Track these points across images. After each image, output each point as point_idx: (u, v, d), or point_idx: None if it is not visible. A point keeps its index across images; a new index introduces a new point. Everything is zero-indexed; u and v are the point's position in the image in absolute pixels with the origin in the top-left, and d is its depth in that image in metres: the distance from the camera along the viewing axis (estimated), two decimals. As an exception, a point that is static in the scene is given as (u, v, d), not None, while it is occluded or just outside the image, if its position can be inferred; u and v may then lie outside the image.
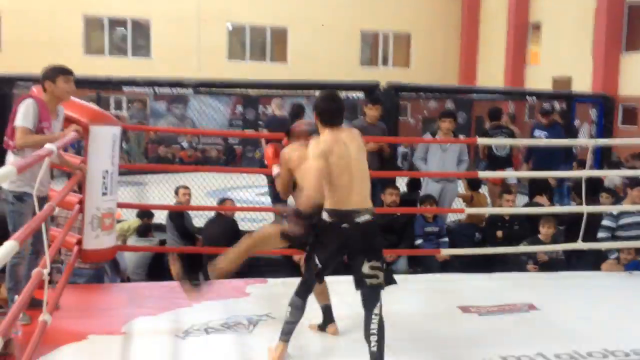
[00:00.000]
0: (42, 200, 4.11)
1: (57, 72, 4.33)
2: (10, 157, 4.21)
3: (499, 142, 7.69)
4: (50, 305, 3.54)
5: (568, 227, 6.90)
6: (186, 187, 7.19)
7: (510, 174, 8.66)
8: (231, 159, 16.07)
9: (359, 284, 3.64)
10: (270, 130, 7.83)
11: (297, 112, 7.53)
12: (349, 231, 3.60)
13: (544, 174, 7.73)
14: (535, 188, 7.67)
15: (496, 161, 7.77)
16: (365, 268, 3.61)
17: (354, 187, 3.64)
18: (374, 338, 3.50)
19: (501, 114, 8.53)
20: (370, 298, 3.59)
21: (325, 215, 3.63)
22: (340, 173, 3.58)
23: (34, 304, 4.07)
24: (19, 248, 2.53)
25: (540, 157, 8.04)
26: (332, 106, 3.74)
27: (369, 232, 3.65)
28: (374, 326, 3.53)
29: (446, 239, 6.68)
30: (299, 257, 6.08)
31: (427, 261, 6.45)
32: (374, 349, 3.48)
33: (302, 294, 3.80)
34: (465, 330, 4.49)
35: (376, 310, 3.55)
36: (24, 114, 4.15)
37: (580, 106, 9.65)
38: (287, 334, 3.79)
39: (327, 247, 3.71)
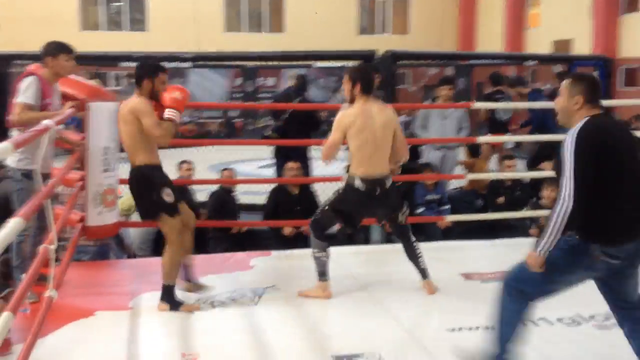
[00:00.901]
0: (46, 177, 4.14)
1: (59, 49, 4.33)
2: (13, 133, 4.22)
3: (491, 106, 7.65)
4: (56, 281, 3.56)
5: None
6: (189, 162, 7.19)
7: (509, 138, 8.66)
8: (231, 132, 16.06)
9: (400, 228, 4.54)
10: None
11: (302, 82, 7.51)
12: (381, 195, 4.27)
13: (543, 137, 7.71)
14: (541, 154, 7.65)
15: (496, 126, 7.75)
16: (401, 217, 4.48)
17: (378, 156, 4.25)
18: (421, 258, 4.56)
19: (501, 78, 8.50)
20: (409, 232, 4.56)
21: (357, 182, 4.22)
22: (362, 145, 4.17)
23: (40, 280, 4.13)
24: (25, 225, 2.55)
25: (538, 123, 8.02)
26: (369, 76, 4.34)
27: (395, 192, 4.45)
28: (418, 249, 4.56)
29: (448, 207, 6.70)
30: (290, 229, 6.15)
31: (428, 229, 6.47)
32: (423, 265, 4.56)
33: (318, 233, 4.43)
34: (467, 297, 4.52)
35: (413, 237, 4.54)
36: (25, 90, 4.15)
37: (580, 69, 9.57)
38: (322, 274, 4.41)
39: (358, 210, 4.40)
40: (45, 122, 3.68)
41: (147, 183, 4.11)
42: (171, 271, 4.14)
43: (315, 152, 8.30)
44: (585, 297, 4.44)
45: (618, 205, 2.78)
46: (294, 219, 6.08)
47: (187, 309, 4.12)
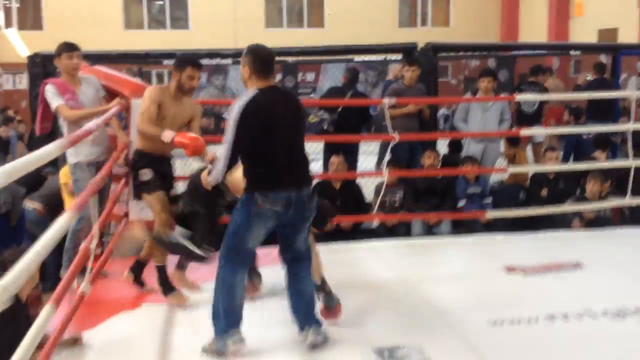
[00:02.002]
0: (99, 165, 4.58)
1: (61, 49, 4.65)
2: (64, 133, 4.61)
3: (536, 98, 7.51)
4: (93, 274, 3.66)
5: (618, 182, 6.76)
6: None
7: (552, 131, 8.54)
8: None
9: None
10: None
11: (354, 76, 7.52)
12: None
13: (586, 129, 7.59)
14: (596, 143, 7.50)
15: (523, 118, 7.61)
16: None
17: None
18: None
19: (539, 70, 8.34)
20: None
21: None
22: None
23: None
24: (80, 215, 2.65)
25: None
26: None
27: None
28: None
29: (490, 200, 6.63)
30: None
31: (470, 222, 6.42)
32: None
33: None
34: (510, 290, 4.49)
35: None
36: (52, 96, 4.55)
37: (626, 59, 9.36)
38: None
39: None
40: (95, 122, 3.91)
41: (132, 164, 4.32)
42: (155, 252, 4.24)
43: (366, 147, 8.32)
44: (629, 290, 4.40)
45: (272, 163, 3.32)
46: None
47: (174, 300, 4.18)
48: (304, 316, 3.44)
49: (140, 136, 4.26)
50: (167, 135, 4.07)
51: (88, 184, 4.37)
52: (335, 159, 6.35)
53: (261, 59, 3.39)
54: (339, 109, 6.88)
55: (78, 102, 4.60)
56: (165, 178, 4.32)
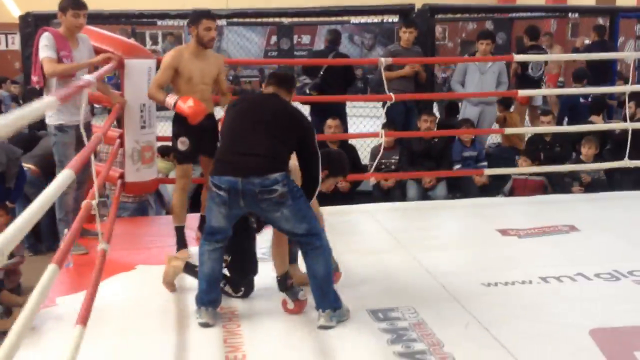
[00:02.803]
0: (84, 127, 4.28)
1: (67, 5, 4.44)
2: (45, 96, 4.33)
3: (534, 59, 7.46)
4: (106, 235, 3.65)
5: (615, 145, 6.75)
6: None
7: (551, 92, 8.50)
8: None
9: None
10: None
11: (335, 37, 7.42)
12: None
13: (585, 90, 7.54)
14: (592, 107, 7.47)
15: (527, 82, 7.57)
16: None
17: None
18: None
19: (539, 33, 8.27)
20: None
21: None
22: None
23: (83, 234, 4.27)
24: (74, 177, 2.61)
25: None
26: None
27: None
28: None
29: (485, 163, 6.62)
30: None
31: (466, 186, 6.43)
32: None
33: None
34: (504, 252, 4.51)
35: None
36: (44, 46, 4.33)
37: (624, 22, 9.27)
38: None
39: None
40: (87, 77, 3.76)
41: (173, 127, 4.40)
42: (176, 212, 4.48)
43: (353, 109, 8.28)
44: (623, 253, 4.43)
45: (222, 150, 3.44)
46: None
47: (179, 256, 4.21)
48: (318, 298, 3.39)
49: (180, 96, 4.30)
50: (169, 102, 4.17)
51: (71, 147, 4.37)
52: (332, 122, 6.31)
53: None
54: (321, 72, 6.80)
55: (72, 61, 4.42)
56: (207, 132, 4.38)
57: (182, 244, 4.45)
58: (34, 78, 4.45)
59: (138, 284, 4.00)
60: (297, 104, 6.69)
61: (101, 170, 4.41)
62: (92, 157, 3.41)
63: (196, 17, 4.27)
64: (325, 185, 3.69)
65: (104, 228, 3.68)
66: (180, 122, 4.32)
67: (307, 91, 6.77)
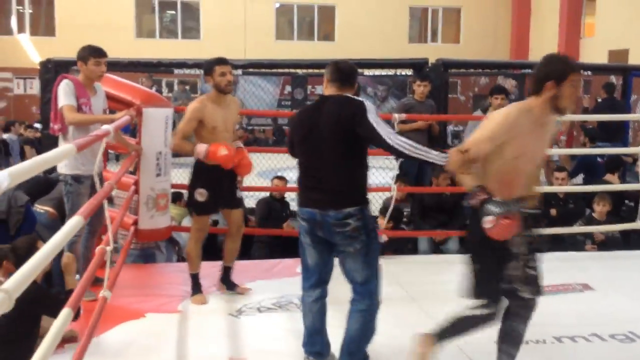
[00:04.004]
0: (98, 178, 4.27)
1: (88, 54, 4.48)
2: (61, 143, 4.36)
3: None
4: (110, 282, 3.65)
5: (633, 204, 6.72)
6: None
7: (565, 151, 8.50)
8: (281, 139, 16.15)
9: None
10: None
11: (357, 89, 7.50)
12: None
13: (599, 150, 7.56)
14: (608, 165, 7.48)
15: None
16: None
17: None
18: None
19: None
20: None
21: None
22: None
23: (94, 282, 4.25)
24: (84, 224, 2.62)
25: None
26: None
27: None
28: None
29: (497, 218, 6.57)
30: None
31: (478, 240, 6.37)
32: None
33: None
34: (517, 310, 4.44)
35: None
36: (64, 94, 4.34)
37: (637, 80, 9.34)
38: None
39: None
40: (106, 127, 3.79)
41: (192, 177, 4.46)
42: (190, 261, 4.53)
43: (375, 161, 8.29)
44: (639, 314, 4.36)
45: (301, 177, 3.32)
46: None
47: (194, 301, 4.39)
48: (343, 355, 3.35)
49: None
50: (200, 151, 4.24)
51: (85, 198, 4.34)
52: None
53: (332, 67, 3.38)
54: None
55: (91, 109, 4.45)
56: (225, 182, 4.45)
57: (197, 289, 4.49)
58: (55, 126, 4.42)
59: (147, 332, 3.96)
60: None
61: (115, 216, 4.43)
62: (105, 204, 3.43)
63: (209, 66, 4.39)
64: None
65: (111, 275, 3.67)
66: (198, 173, 4.37)
67: None
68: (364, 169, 3.26)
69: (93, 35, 17.65)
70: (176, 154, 5.50)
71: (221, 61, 4.39)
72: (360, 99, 3.23)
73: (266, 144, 15.55)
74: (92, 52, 4.47)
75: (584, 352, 3.73)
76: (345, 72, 3.33)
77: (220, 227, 6.83)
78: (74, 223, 2.48)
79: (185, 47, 18.63)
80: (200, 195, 4.37)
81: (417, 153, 3.05)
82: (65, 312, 2.19)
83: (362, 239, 3.18)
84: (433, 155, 3.04)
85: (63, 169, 4.42)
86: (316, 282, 3.39)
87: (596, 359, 3.63)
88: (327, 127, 3.17)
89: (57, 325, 2.05)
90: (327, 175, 3.19)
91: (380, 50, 17.18)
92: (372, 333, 3.34)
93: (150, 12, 20.29)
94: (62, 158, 2.53)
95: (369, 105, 3.18)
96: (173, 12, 20.46)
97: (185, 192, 4.98)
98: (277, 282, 4.90)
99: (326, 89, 3.34)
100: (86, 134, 4.11)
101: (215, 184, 4.38)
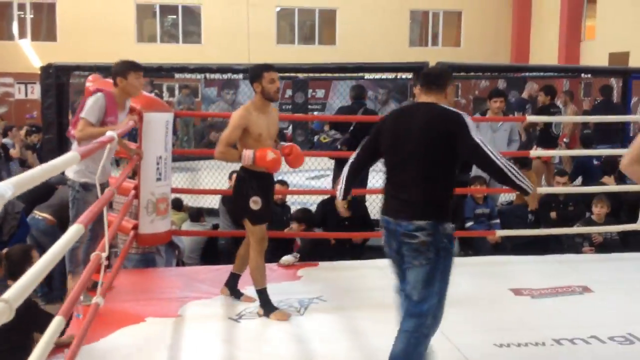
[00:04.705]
0: (103, 186, 4.27)
1: (128, 68, 4.42)
2: (74, 146, 4.39)
3: (546, 120, 7.53)
4: (104, 287, 3.66)
5: (628, 207, 6.73)
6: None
7: (565, 153, 8.51)
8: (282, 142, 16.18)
9: None
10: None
11: (360, 92, 7.55)
12: None
13: (597, 152, 7.57)
14: (604, 168, 7.50)
15: (549, 139, 7.64)
16: None
17: None
18: None
19: (556, 92, 8.37)
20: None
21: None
22: None
23: (94, 286, 4.26)
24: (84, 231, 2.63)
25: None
26: None
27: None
28: None
29: (497, 221, 6.61)
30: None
31: (478, 244, 6.40)
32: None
33: None
34: (517, 312, 4.46)
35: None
36: (90, 107, 4.28)
37: (637, 82, 9.35)
38: None
39: None
40: (109, 134, 3.81)
41: (241, 186, 4.29)
42: (256, 276, 4.30)
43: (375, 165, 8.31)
44: (638, 316, 4.36)
45: (386, 183, 3.25)
46: (342, 230, 6.10)
47: (276, 317, 4.20)
48: None
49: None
50: (247, 158, 4.15)
51: (89, 205, 4.34)
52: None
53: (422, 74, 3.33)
54: (351, 128, 6.91)
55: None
56: (269, 195, 4.41)
57: (271, 305, 4.28)
58: (73, 131, 4.36)
59: (147, 336, 3.97)
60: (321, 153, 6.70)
61: (114, 221, 4.46)
62: (105, 210, 3.44)
63: (258, 71, 4.21)
64: None
65: (105, 280, 3.68)
66: (248, 181, 4.25)
67: (339, 146, 6.89)
68: (450, 185, 3.16)
69: (94, 41, 17.83)
70: (177, 158, 5.53)
71: (270, 67, 4.24)
72: (457, 111, 3.13)
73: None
74: (133, 67, 4.43)
75: (583, 354, 3.74)
76: (432, 75, 3.26)
77: (222, 231, 6.86)
78: (74, 231, 2.49)
79: (186, 52, 18.67)
80: (255, 203, 4.22)
81: (518, 178, 3.03)
82: (58, 320, 2.20)
83: (428, 255, 3.05)
84: (527, 182, 3.07)
85: (72, 175, 4.37)
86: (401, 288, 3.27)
87: (595, 361, 3.63)
88: (421, 137, 3.08)
89: (49, 332, 2.07)
90: (409, 185, 3.11)
91: (381, 53, 17.19)
92: (417, 358, 3.14)
93: (151, 17, 20.34)
94: (66, 166, 2.54)
95: (469, 120, 3.07)
96: (174, 16, 20.51)
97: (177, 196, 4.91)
98: (277, 286, 4.89)
99: (419, 97, 3.26)
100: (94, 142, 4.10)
101: (266, 190, 4.31)
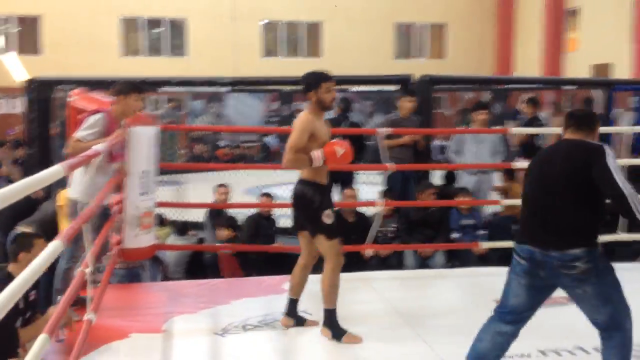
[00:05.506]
0: (106, 208, 4.26)
1: (132, 89, 4.42)
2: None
3: (530, 131, 7.59)
4: (95, 303, 3.63)
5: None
6: (225, 186, 7.27)
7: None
8: (267, 156, 16.17)
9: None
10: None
11: (347, 105, 7.60)
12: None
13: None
14: None
15: (534, 151, 7.68)
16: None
17: None
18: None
19: (539, 103, 8.46)
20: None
21: None
22: None
23: (78, 302, 4.23)
24: (65, 248, 2.61)
25: None
26: None
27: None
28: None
29: (483, 232, 6.63)
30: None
31: (464, 255, 6.41)
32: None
33: None
34: (503, 324, 4.45)
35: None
36: (87, 126, 4.28)
37: (620, 94, 9.46)
38: None
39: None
40: (96, 147, 3.79)
41: (308, 200, 4.06)
42: (330, 294, 4.08)
43: (365, 177, 8.33)
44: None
45: (522, 217, 3.30)
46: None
47: (348, 340, 4.04)
48: None
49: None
50: (317, 158, 3.96)
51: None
52: (350, 192, 6.38)
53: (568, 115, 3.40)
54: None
55: (115, 147, 4.37)
56: (332, 203, 4.19)
57: (340, 327, 4.10)
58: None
59: (131, 353, 3.94)
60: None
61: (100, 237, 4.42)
62: (87, 227, 3.42)
63: (315, 81, 4.09)
64: None
65: (95, 296, 3.65)
66: (318, 194, 4.05)
67: None
68: (594, 211, 3.13)
69: (79, 54, 17.78)
70: (163, 171, 5.50)
71: (328, 77, 4.12)
72: (598, 143, 3.20)
73: (252, 160, 15.54)
74: (135, 88, 4.43)
75: (569, 366, 3.74)
76: (577, 116, 3.35)
77: (207, 245, 6.84)
78: (54, 247, 2.47)
79: (172, 65, 18.66)
80: (328, 217, 4.02)
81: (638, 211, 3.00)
82: (42, 339, 2.18)
83: (592, 281, 3.07)
84: None
85: (77, 195, 4.31)
86: (512, 320, 3.28)
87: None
88: (562, 166, 3.14)
89: (34, 351, 2.05)
90: (555, 214, 3.11)
91: (367, 66, 17.28)
92: None
93: (136, 30, 20.32)
94: (50, 180, 2.52)
95: (609, 150, 3.11)
96: (160, 29, 20.50)
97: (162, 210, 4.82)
98: (263, 300, 4.89)
99: (565, 134, 3.34)
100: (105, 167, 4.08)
101: (329, 200, 4.16)
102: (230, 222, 6.74)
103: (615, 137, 9.38)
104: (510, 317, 3.25)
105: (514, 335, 3.28)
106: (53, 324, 2.48)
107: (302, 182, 4.10)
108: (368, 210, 6.69)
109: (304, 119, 4.06)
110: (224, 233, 6.55)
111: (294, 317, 4.34)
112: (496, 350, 3.28)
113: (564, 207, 3.09)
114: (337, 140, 4.14)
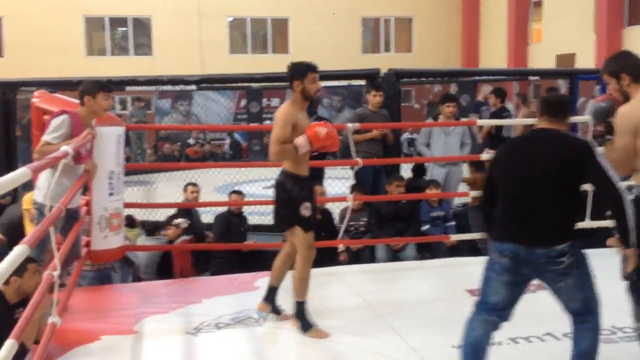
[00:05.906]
0: (70, 210, 4.19)
1: (98, 88, 4.35)
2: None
3: (496, 123, 7.69)
4: (60, 306, 3.59)
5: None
6: (195, 185, 7.22)
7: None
8: (237, 153, 16.10)
9: None
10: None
11: (314, 101, 7.57)
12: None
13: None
14: None
15: (500, 142, 7.77)
16: None
17: None
18: None
19: (506, 94, 8.55)
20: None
21: None
22: None
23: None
24: (31, 252, 2.58)
25: None
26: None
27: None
28: None
29: (453, 223, 6.69)
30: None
31: (435, 247, 6.46)
32: None
33: None
34: (473, 313, 4.50)
35: None
36: (53, 129, 4.19)
37: (583, 83, 9.58)
38: None
39: None
40: (64, 149, 3.74)
41: (287, 192, 4.07)
42: (300, 287, 4.11)
43: (332, 172, 8.33)
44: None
45: (503, 209, 3.17)
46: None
47: (314, 335, 4.06)
48: None
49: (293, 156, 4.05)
50: (302, 143, 3.95)
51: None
52: (320, 189, 6.40)
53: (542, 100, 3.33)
54: None
55: (83, 148, 4.26)
56: (312, 196, 4.19)
57: (310, 321, 4.13)
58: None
59: (102, 355, 3.90)
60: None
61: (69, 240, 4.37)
62: (52, 230, 3.37)
63: (302, 70, 4.07)
64: None
65: (60, 298, 3.61)
66: (298, 186, 4.06)
67: None
68: (577, 206, 3.19)
69: (42, 55, 17.51)
70: (130, 171, 5.45)
71: (314, 68, 4.11)
72: (582, 138, 3.17)
73: (222, 158, 15.46)
74: (102, 87, 4.35)
75: (539, 352, 3.81)
76: (553, 103, 3.25)
77: (177, 245, 6.79)
78: (19, 251, 2.44)
79: (137, 64, 18.47)
80: (307, 209, 4.04)
81: (629, 223, 3.01)
82: (9, 344, 2.15)
83: (574, 273, 3.09)
84: (633, 236, 3.05)
85: (43, 198, 4.15)
86: (497, 314, 3.28)
87: (551, 358, 3.69)
88: (547, 162, 3.07)
89: (2, 356, 2.03)
90: (539, 210, 3.06)
91: (334, 61, 17.23)
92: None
93: (101, 30, 20.07)
94: (17, 182, 2.47)
95: (594, 145, 3.10)
96: (124, 28, 20.28)
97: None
98: (235, 297, 4.88)
99: (539, 123, 3.25)
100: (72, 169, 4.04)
101: (311, 195, 4.16)
102: (171, 220, 6.68)
103: (580, 126, 9.54)
104: (494, 312, 3.27)
105: (503, 319, 3.32)
106: (20, 329, 2.44)
107: (283, 173, 4.12)
108: (341, 205, 6.71)
109: (285, 110, 4.06)
110: (170, 231, 6.54)
111: (272, 304, 4.36)
112: (488, 335, 3.32)
113: (549, 203, 3.06)
114: (315, 122, 4.16)
